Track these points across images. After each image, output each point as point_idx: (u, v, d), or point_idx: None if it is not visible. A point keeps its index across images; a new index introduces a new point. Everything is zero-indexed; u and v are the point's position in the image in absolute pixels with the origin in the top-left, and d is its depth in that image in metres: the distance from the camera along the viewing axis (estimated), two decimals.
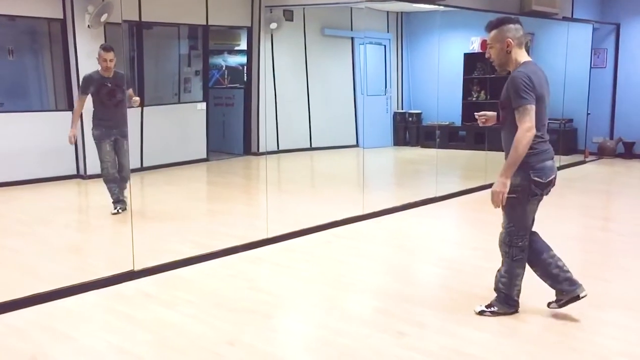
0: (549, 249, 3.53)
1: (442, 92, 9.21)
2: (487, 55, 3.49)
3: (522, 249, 3.47)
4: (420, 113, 11.75)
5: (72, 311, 3.73)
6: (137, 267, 4.30)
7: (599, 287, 4.18)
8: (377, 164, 10.19)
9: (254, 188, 8.25)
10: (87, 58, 7.75)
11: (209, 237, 5.41)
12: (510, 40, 3.33)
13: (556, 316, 3.55)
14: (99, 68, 6.04)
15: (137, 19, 8.56)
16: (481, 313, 3.57)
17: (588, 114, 10.20)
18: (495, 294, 3.61)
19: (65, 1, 7.90)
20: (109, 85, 6.01)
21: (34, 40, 8.61)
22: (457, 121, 11.06)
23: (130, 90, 6.26)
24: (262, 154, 9.73)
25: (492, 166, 8.22)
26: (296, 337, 3.50)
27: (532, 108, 3.19)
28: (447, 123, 11.04)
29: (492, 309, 3.57)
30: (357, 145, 11.21)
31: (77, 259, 5.00)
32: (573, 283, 3.46)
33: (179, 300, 3.88)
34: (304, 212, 6.42)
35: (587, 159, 10.12)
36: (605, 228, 6.00)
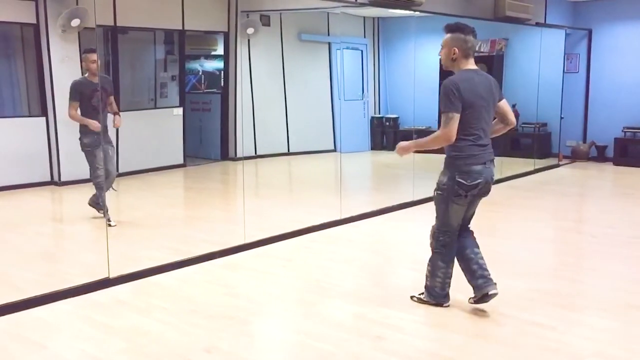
0: (474, 246, 3.72)
1: (418, 96, 9.26)
2: (438, 53, 3.69)
3: (443, 244, 3.66)
4: (397, 117, 11.82)
5: (46, 320, 3.67)
6: (113, 275, 4.25)
7: (572, 288, 4.24)
8: (354, 168, 10.21)
9: (232, 193, 8.21)
10: (61, 63, 7.66)
11: (185, 243, 5.37)
12: (456, 49, 3.52)
13: (531, 318, 3.59)
14: (86, 74, 5.93)
15: (112, 24, 8.48)
16: (411, 298, 3.84)
17: (561, 118, 10.35)
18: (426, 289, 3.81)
19: (39, 6, 7.79)
20: (98, 90, 5.90)
21: (6, 45, 8.47)
22: (434, 125, 11.11)
23: (114, 104, 6.15)
24: (240, 159, 9.68)
25: None
26: (274, 343, 3.48)
27: (453, 116, 3.38)
28: (423, 127, 11.09)
29: (421, 296, 3.81)
30: (334, 150, 11.22)
31: (51, 266, 4.92)
32: (487, 281, 3.61)
33: (154, 308, 3.84)
34: (282, 217, 6.41)
35: (561, 163, 10.26)
36: (578, 230, 6.08)
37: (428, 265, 3.77)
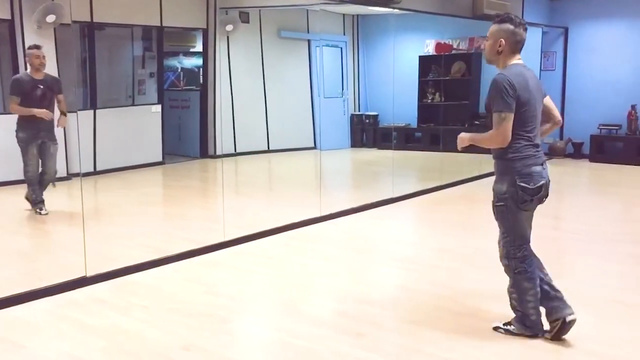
0: (541, 264, 3.38)
1: (398, 94, 9.32)
2: (482, 46, 3.46)
3: (522, 259, 3.25)
4: (377, 115, 11.85)
5: (23, 319, 3.62)
6: (90, 273, 4.20)
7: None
8: (334, 165, 10.23)
9: (211, 191, 8.17)
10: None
11: (164, 241, 5.33)
12: (503, 41, 3.21)
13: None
14: (28, 70, 6.00)
15: (89, 20, 8.38)
16: (495, 329, 3.38)
17: None
18: (514, 319, 3.35)
19: (14, 1, 7.66)
20: (41, 87, 5.92)
21: None
22: (413, 123, 11.19)
23: (63, 100, 6.17)
24: (219, 156, 9.64)
25: (447, 167, 8.39)
26: (253, 341, 3.47)
27: (508, 116, 3.09)
28: (403, 125, 11.16)
29: (509, 327, 3.35)
30: (314, 147, 11.22)
31: (27, 265, 4.85)
32: (563, 303, 3.28)
33: (133, 306, 3.81)
34: (262, 214, 6.39)
35: None
36: (557, 227, 6.16)
37: (511, 292, 3.31)
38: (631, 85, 10.05)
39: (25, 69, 7.65)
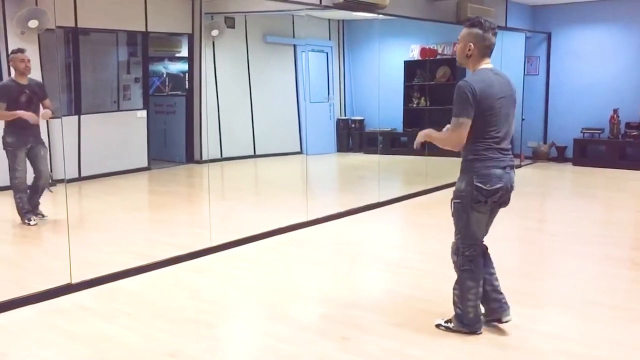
0: (490, 266, 3.47)
1: (383, 98, 9.35)
2: (454, 48, 3.53)
3: (470, 258, 3.33)
4: (363, 119, 11.89)
5: (5, 327, 3.59)
6: (75, 280, 4.18)
7: (534, 286, 4.33)
8: (320, 170, 10.24)
9: (197, 196, 8.14)
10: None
11: (150, 247, 5.31)
12: (472, 45, 3.26)
13: None
14: (12, 75, 5.97)
15: (73, 25, 8.34)
16: (437, 326, 3.47)
17: (522, 119, 10.56)
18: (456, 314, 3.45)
19: None
20: (27, 92, 5.91)
21: None
22: (399, 127, 11.24)
23: (48, 101, 6.15)
24: (205, 162, 9.61)
25: (432, 171, 8.42)
26: (239, 346, 3.47)
27: (464, 122, 3.14)
28: (389, 129, 11.20)
29: (449, 324, 3.45)
30: (300, 152, 11.23)
31: (11, 273, 4.81)
32: (501, 306, 3.42)
33: (118, 313, 3.79)
34: (248, 219, 6.39)
35: (522, 163, 10.47)
36: (539, 229, 6.22)
37: (455, 289, 3.41)
38: (613, 90, 10.18)
39: (9, 74, 7.61)
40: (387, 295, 4.15)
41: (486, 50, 3.30)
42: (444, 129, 3.35)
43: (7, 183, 7.72)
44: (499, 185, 3.22)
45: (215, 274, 4.61)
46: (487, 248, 3.50)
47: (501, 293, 3.45)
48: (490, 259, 3.50)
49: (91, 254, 5.03)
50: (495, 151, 3.24)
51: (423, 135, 3.42)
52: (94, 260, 4.81)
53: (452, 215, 3.39)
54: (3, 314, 3.76)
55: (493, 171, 3.22)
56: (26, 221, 6.00)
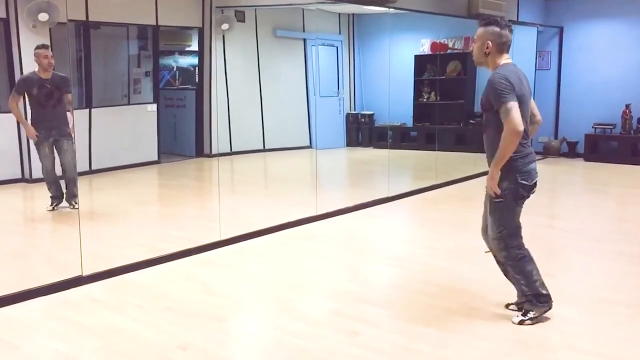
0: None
1: (393, 93, 9.32)
2: (470, 48, 3.57)
3: (519, 247, 3.44)
4: (373, 114, 11.87)
5: (17, 319, 3.62)
6: (86, 273, 4.20)
7: (545, 282, 4.30)
8: (330, 164, 10.24)
9: (207, 190, 8.17)
10: (32, 58, 7.54)
11: (160, 240, 5.33)
12: (490, 43, 3.33)
13: (503, 312, 3.64)
14: (36, 69, 6.06)
15: (84, 19, 8.36)
16: (521, 323, 3.43)
17: None
18: (525, 301, 3.48)
19: (9, 0, 7.65)
20: (48, 86, 5.98)
21: None
22: (409, 122, 11.21)
23: (70, 95, 6.31)
24: (215, 155, 9.64)
25: (442, 166, 8.40)
26: (250, 340, 3.48)
27: (514, 105, 3.17)
28: (398, 124, 11.18)
29: (529, 314, 3.44)
30: (310, 147, 11.23)
31: (23, 265, 4.84)
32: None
33: (128, 306, 3.81)
34: (257, 213, 6.40)
35: None
36: (550, 225, 6.18)
37: (518, 280, 3.46)
38: (625, 85, 10.09)
39: (20, 68, 7.66)
40: (397, 290, 4.14)
41: (504, 47, 3.37)
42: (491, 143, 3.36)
43: (18, 176, 7.83)
44: (536, 179, 3.39)
45: (225, 268, 4.62)
46: None
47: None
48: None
49: (102, 246, 5.06)
50: (528, 146, 3.36)
51: (494, 173, 3.31)
52: (105, 253, 4.84)
53: (491, 214, 3.43)
54: (14, 305, 3.79)
55: (531, 166, 3.36)
56: (47, 207, 6.20)
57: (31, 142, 7.22)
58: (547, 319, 3.46)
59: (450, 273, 4.43)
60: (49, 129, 6.07)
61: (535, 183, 3.39)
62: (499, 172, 3.31)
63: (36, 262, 4.94)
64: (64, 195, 6.25)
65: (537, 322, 3.43)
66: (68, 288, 4.06)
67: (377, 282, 4.44)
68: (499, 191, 3.32)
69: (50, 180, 6.17)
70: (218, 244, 5.08)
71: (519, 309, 3.54)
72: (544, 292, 3.45)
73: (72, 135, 6.21)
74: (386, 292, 4.15)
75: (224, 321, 3.61)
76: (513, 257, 3.44)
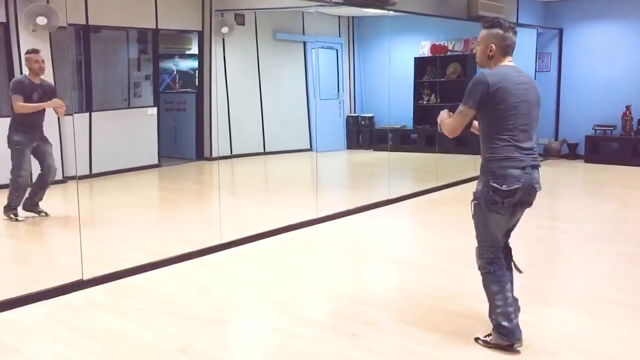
0: (509, 279, 3.28)
1: (393, 95, 9.32)
2: (473, 51, 3.51)
3: (489, 261, 3.20)
4: (373, 116, 11.87)
5: (18, 323, 3.62)
6: (86, 276, 4.20)
7: (545, 283, 4.31)
8: (330, 167, 10.24)
9: (207, 193, 8.17)
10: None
11: (161, 243, 5.33)
12: (493, 46, 3.23)
13: None
14: (27, 73, 6.04)
15: (84, 23, 8.38)
16: (476, 340, 3.25)
17: None
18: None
19: (9, 4, 7.66)
20: (39, 91, 5.98)
21: None
22: (409, 124, 11.21)
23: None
24: (215, 159, 9.64)
25: (442, 168, 8.40)
26: (250, 342, 3.48)
27: (464, 110, 3.17)
28: (399, 126, 11.18)
29: (488, 337, 3.21)
30: (310, 149, 11.24)
31: (23, 269, 4.84)
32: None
33: (129, 309, 3.81)
34: (258, 216, 6.40)
35: None
36: (551, 227, 6.18)
37: (486, 294, 3.25)
38: (625, 86, 10.09)
39: (21, 72, 7.66)
40: (397, 292, 4.14)
41: (507, 50, 3.27)
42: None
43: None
44: (516, 186, 3.08)
45: (226, 271, 4.62)
46: (510, 251, 3.35)
47: (517, 310, 3.26)
48: (511, 269, 3.32)
49: (102, 250, 5.06)
50: (513, 150, 3.11)
51: (441, 115, 3.44)
52: (106, 257, 4.84)
53: (472, 217, 3.31)
54: (15, 309, 3.78)
55: (510, 171, 3.09)
56: (12, 216, 6.05)
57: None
58: (517, 352, 3.12)
59: (450, 275, 4.43)
60: (33, 133, 6.01)
61: (515, 190, 3.08)
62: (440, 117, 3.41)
63: (37, 266, 4.94)
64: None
65: (492, 348, 3.16)
66: (69, 292, 4.05)
67: (377, 284, 4.44)
68: (439, 117, 3.40)
69: (24, 189, 6.03)
70: (219, 247, 5.07)
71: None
72: (505, 324, 3.11)
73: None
74: (387, 294, 4.14)
75: (225, 324, 3.61)
76: (481, 268, 3.25)
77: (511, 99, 3.11)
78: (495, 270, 3.20)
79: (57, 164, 6.53)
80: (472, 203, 3.27)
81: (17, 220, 6.03)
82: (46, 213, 6.19)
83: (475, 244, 3.31)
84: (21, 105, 5.90)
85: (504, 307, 3.14)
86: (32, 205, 6.17)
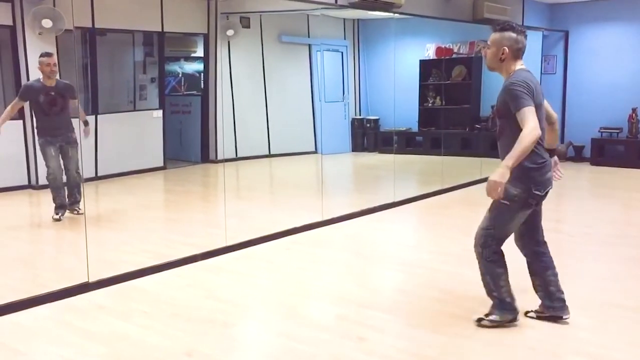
0: (554, 267, 3.53)
1: (399, 98, 9.31)
2: (483, 53, 3.53)
3: (495, 251, 3.40)
4: (378, 119, 11.85)
5: (23, 325, 3.62)
6: (92, 279, 4.21)
7: None
8: (335, 170, 10.22)
9: (212, 196, 8.18)
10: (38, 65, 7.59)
11: (166, 246, 5.33)
12: (506, 49, 3.28)
13: None
14: (41, 77, 6.10)
15: (90, 26, 8.40)
16: (479, 321, 3.46)
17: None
18: (490, 301, 3.48)
19: (15, 7, 7.69)
20: (52, 94, 6.02)
21: None
22: (414, 127, 11.18)
23: (82, 112, 6.36)
24: (220, 161, 9.65)
25: (448, 171, 8.39)
26: (255, 346, 3.47)
27: (530, 109, 3.09)
28: (404, 129, 11.15)
29: (491, 317, 3.44)
30: (315, 152, 11.23)
31: (29, 271, 4.85)
32: (563, 305, 3.51)
33: (134, 312, 3.81)
34: (263, 219, 6.40)
35: None
36: (556, 229, 6.14)
37: (485, 279, 3.44)
38: (632, 89, 10.05)
39: (27, 74, 7.69)
40: (403, 295, 4.13)
41: (519, 53, 3.34)
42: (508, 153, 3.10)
43: (24, 182, 7.85)
44: (549, 188, 3.33)
45: (231, 274, 4.62)
46: (547, 245, 3.57)
47: (563, 292, 3.53)
48: (552, 259, 3.54)
49: (108, 253, 5.07)
50: (544, 153, 3.30)
51: (500, 175, 3.03)
52: (111, 259, 4.85)
53: (490, 210, 3.38)
54: (21, 312, 3.79)
55: (547, 176, 3.30)
56: (53, 215, 6.16)
57: (38, 148, 7.25)
58: (514, 325, 3.43)
59: (457, 278, 4.41)
60: (55, 136, 6.12)
61: (547, 192, 3.34)
62: (509, 173, 3.04)
63: (42, 269, 4.95)
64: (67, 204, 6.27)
65: (497, 327, 3.41)
66: (74, 294, 4.06)
67: (383, 287, 4.42)
68: (502, 194, 3.05)
69: (56, 186, 6.14)
70: (224, 249, 5.07)
71: (538, 317, 3.53)
72: (508, 300, 3.42)
73: (78, 142, 6.23)
74: (392, 297, 4.13)
75: (230, 327, 3.61)
76: (486, 257, 3.41)
77: (540, 104, 3.26)
78: (499, 259, 3.42)
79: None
80: (501, 202, 3.24)
81: (53, 219, 6.14)
82: (78, 212, 6.25)
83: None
84: (9, 108, 6.13)
85: (507, 285, 3.42)
86: (71, 204, 6.30)
